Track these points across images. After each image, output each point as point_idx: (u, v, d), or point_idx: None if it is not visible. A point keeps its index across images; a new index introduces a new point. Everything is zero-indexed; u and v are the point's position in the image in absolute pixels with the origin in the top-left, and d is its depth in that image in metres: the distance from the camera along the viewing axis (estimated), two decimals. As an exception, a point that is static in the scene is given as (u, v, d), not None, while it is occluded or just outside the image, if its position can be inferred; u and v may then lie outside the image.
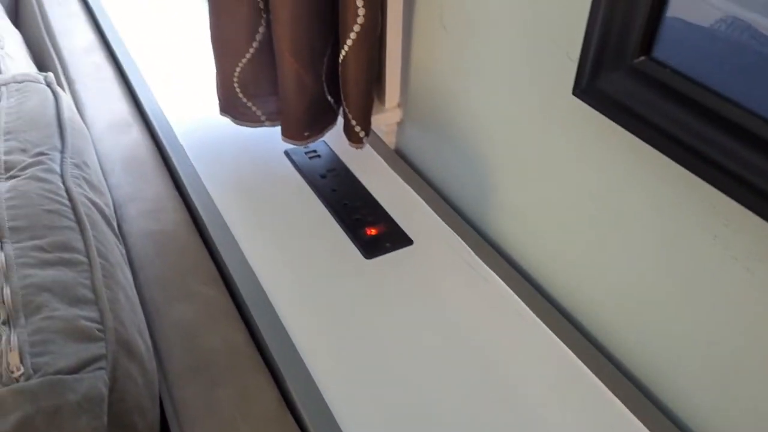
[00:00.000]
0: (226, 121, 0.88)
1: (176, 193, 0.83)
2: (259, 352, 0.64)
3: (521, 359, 0.63)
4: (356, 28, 0.72)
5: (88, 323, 0.54)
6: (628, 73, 0.48)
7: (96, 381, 0.50)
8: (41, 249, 0.59)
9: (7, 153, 0.70)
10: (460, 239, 0.76)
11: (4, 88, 0.81)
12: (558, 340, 0.65)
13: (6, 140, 0.72)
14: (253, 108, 0.85)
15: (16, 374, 0.47)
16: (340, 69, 0.77)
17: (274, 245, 0.75)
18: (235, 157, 0.88)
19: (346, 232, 0.77)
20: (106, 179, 0.83)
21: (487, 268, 0.72)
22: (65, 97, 0.84)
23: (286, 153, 0.89)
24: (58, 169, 0.70)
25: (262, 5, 0.77)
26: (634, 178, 0.56)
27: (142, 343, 0.59)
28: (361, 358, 0.63)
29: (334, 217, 0.79)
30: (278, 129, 0.85)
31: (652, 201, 0.56)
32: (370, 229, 0.77)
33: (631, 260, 0.60)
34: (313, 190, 0.83)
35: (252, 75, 0.82)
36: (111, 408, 0.50)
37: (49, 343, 0.51)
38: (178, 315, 0.66)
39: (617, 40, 0.48)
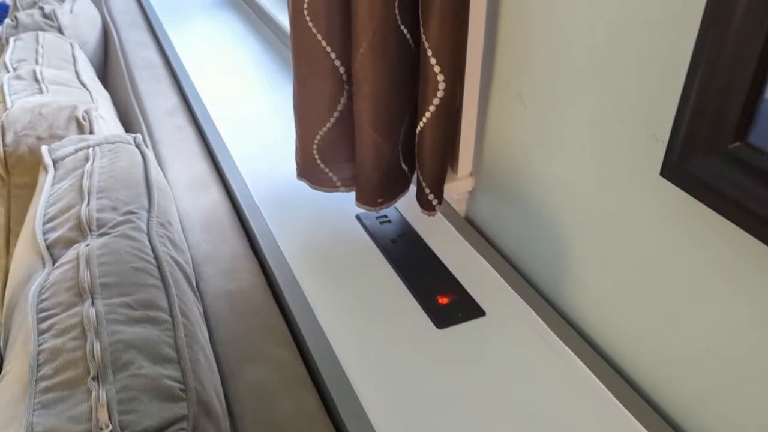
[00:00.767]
0: (301, 184, 0.90)
1: (252, 253, 0.85)
2: (329, 418, 0.64)
3: (600, 443, 0.61)
4: (436, 101, 0.74)
5: (171, 383, 0.55)
6: (722, 158, 0.47)
7: (178, 442, 0.51)
8: (129, 306, 0.61)
9: (99, 210, 0.73)
10: (533, 312, 0.75)
11: (98, 149, 0.86)
12: (642, 428, 0.62)
13: (99, 198, 0.76)
14: (330, 174, 0.87)
15: (105, 431, 0.49)
16: (417, 139, 0.79)
17: (346, 310, 0.76)
18: (308, 220, 0.90)
19: (416, 299, 0.77)
20: (185, 237, 0.86)
21: (562, 343, 0.71)
22: (152, 158, 0.88)
23: (358, 217, 0.91)
24: (145, 227, 0.73)
25: (345, 77, 0.80)
26: (725, 262, 0.55)
27: (218, 403, 0.59)
28: (430, 429, 0.62)
29: (405, 283, 0.79)
30: (352, 194, 0.87)
31: (744, 287, 0.54)
32: (442, 297, 0.77)
33: (722, 349, 0.58)
34: (383, 254, 0.84)
35: (331, 142, 0.84)
36: (190, 469, 0.51)
37: (135, 401, 0.52)
38: (251, 376, 0.67)
39: (710, 127, 0.47)
